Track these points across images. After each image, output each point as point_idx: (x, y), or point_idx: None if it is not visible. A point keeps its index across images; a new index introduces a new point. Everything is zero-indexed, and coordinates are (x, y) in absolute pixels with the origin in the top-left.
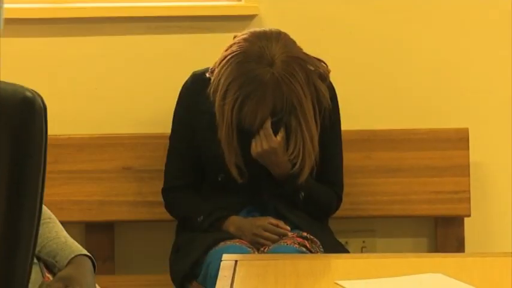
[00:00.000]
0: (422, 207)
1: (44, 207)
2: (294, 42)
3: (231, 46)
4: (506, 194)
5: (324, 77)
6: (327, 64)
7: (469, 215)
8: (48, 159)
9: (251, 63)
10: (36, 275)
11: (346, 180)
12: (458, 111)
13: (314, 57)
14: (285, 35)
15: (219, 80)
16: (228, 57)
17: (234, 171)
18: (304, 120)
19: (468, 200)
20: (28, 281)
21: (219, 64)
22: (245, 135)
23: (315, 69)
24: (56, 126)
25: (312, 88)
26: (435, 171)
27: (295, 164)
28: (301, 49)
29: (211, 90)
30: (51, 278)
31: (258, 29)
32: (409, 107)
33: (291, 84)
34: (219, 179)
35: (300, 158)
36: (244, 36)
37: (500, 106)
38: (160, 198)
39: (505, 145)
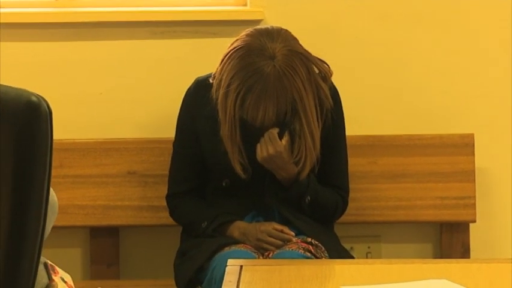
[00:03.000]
0: (427, 213)
1: None
2: (295, 39)
3: (233, 43)
4: (511, 199)
5: (325, 77)
6: (330, 66)
7: (474, 221)
8: (53, 163)
9: (252, 57)
10: (42, 277)
11: (352, 185)
12: (464, 116)
13: (316, 57)
14: (287, 31)
15: (222, 75)
16: (231, 52)
17: (238, 167)
18: (304, 115)
19: (473, 205)
20: (34, 283)
21: (222, 60)
22: (248, 132)
23: (318, 69)
24: (61, 131)
25: (313, 85)
26: (440, 176)
27: (298, 164)
28: (303, 46)
29: (215, 88)
30: (56, 280)
31: (261, 26)
32: (415, 112)
33: (291, 78)
34: (224, 184)
35: (304, 154)
36: (247, 32)
37: (506, 112)
38: (165, 203)
39: (511, 151)
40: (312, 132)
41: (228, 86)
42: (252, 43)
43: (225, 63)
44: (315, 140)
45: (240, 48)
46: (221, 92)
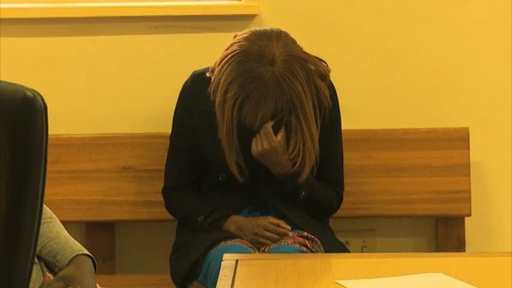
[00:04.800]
0: (422, 207)
1: (45, 207)
2: (294, 41)
3: (231, 45)
4: (506, 193)
5: (324, 76)
6: (327, 63)
7: (469, 215)
8: (49, 158)
9: (251, 63)
10: (37, 274)
11: (347, 179)
12: (459, 110)
13: (314, 57)
14: (286, 34)
15: (219, 79)
16: (229, 56)
17: (235, 170)
18: (304, 119)
19: (468, 199)
20: (29, 280)
21: (220, 63)
22: (245, 134)
23: (316, 69)
24: (57, 126)
25: (312, 87)
26: (435, 170)
27: (295, 163)
28: (301, 48)
29: (212, 90)
30: (51, 277)
31: (258, 28)
32: (410, 106)
33: (291, 84)
34: (220, 178)
35: (301, 156)
36: (245, 35)
37: (501, 105)
38: (161, 198)
39: (505, 144)
40: (311, 134)
41: (226, 91)
42: (251, 48)
43: (222, 66)
44: (315, 142)
45: (239, 52)
46: (219, 95)
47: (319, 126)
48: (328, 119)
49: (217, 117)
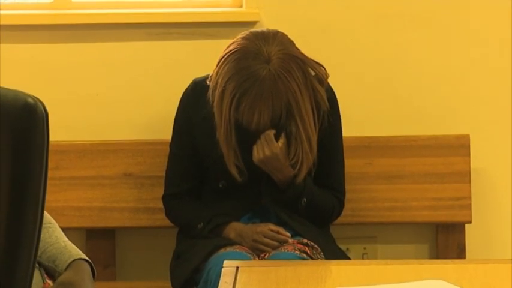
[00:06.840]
0: (423, 214)
1: (45, 213)
2: (291, 42)
3: (229, 45)
4: (507, 200)
5: (322, 80)
6: (325, 68)
7: (470, 222)
8: (50, 165)
9: (248, 60)
10: (37, 280)
11: (347, 186)
12: (459, 117)
13: (312, 60)
14: (283, 34)
15: (217, 78)
16: (227, 55)
17: (233, 170)
18: (300, 119)
19: (469, 206)
20: (30, 285)
21: (218, 63)
22: (244, 135)
23: (316, 74)
24: (57, 133)
25: (309, 89)
26: (436, 177)
27: (295, 168)
28: (299, 50)
29: (211, 90)
30: (51, 284)
31: (257, 29)
32: (410, 113)
33: (287, 82)
34: (220, 185)
35: (300, 159)
36: (243, 35)
37: (501, 112)
38: (161, 205)
39: (506, 151)
40: (308, 135)
41: (224, 89)
42: (248, 46)
43: (220, 66)
44: (312, 143)
45: (236, 51)
46: (217, 94)
47: (317, 129)
48: (326, 122)
49: (216, 118)
